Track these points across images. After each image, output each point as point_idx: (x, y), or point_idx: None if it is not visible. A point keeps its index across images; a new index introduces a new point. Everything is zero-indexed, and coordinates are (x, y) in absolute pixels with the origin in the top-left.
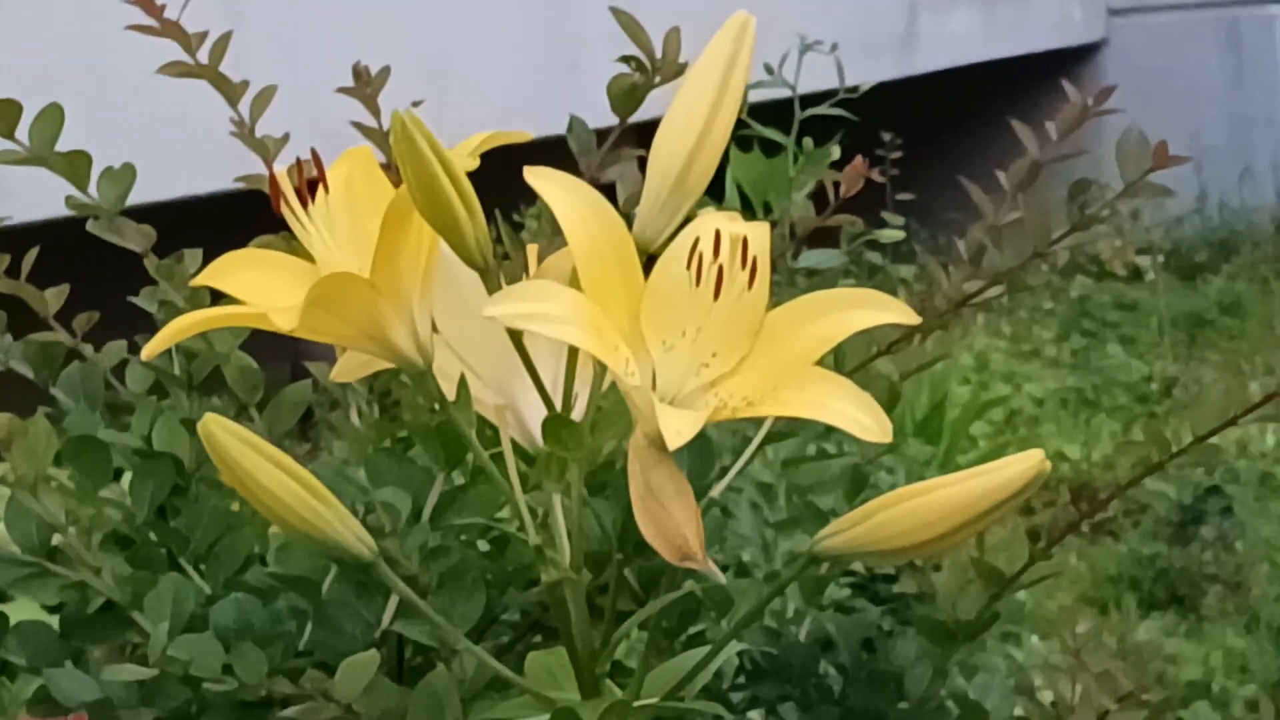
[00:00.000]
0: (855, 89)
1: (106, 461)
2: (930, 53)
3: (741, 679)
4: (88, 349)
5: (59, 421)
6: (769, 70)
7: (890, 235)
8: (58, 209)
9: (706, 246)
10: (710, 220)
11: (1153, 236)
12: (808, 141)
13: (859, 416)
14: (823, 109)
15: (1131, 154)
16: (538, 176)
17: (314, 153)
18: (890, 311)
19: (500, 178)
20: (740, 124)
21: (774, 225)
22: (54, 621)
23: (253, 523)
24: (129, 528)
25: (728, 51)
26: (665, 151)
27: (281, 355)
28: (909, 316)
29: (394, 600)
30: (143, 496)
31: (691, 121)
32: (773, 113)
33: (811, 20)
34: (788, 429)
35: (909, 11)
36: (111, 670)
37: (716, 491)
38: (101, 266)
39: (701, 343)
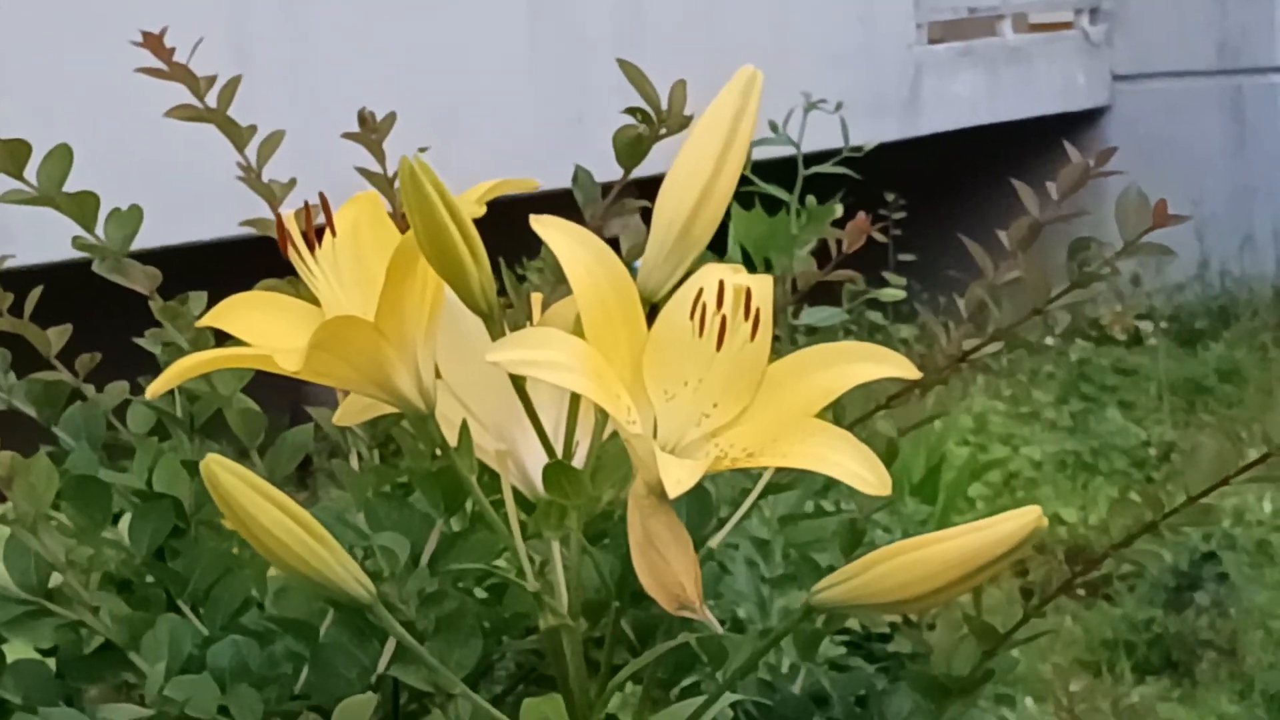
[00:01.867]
0: (859, 149)
1: (106, 501)
2: (934, 114)
3: None
4: (89, 389)
5: (60, 461)
6: (774, 128)
7: (891, 295)
8: (61, 252)
9: (710, 297)
10: (714, 271)
11: (1153, 302)
12: (811, 199)
13: (858, 469)
14: (826, 167)
15: (1131, 212)
16: (544, 225)
17: (322, 197)
18: (890, 365)
19: (503, 229)
20: (743, 180)
21: (776, 282)
22: (50, 663)
23: (251, 566)
24: (127, 569)
25: (734, 105)
26: (670, 202)
27: (283, 400)
28: (909, 371)
29: (390, 645)
30: (141, 537)
31: (697, 173)
32: (776, 171)
33: (817, 79)
34: (786, 481)
35: (914, 73)
36: (109, 710)
37: (715, 543)
38: (104, 310)
39: (703, 393)
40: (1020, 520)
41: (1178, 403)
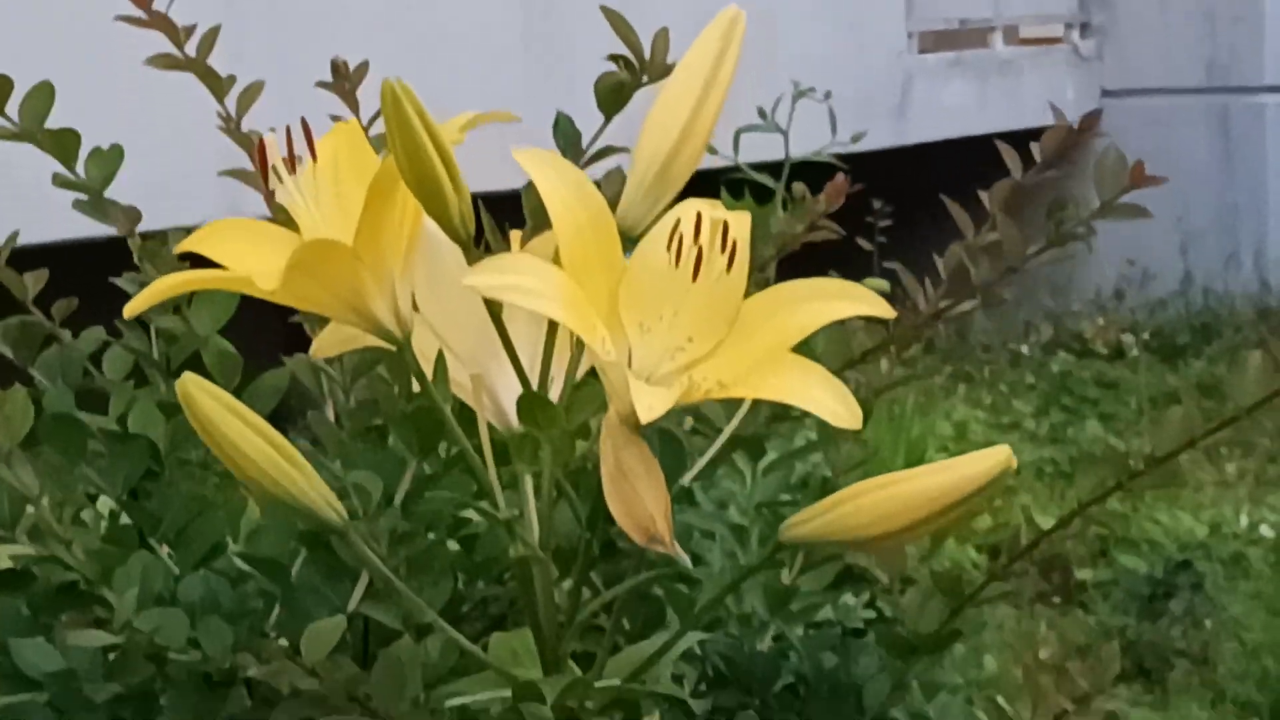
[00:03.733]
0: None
1: (82, 440)
2: (923, 123)
3: (703, 686)
4: (65, 334)
5: (37, 403)
6: (762, 114)
7: (875, 284)
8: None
9: (687, 229)
10: (692, 205)
11: (1136, 317)
12: (798, 185)
13: (830, 402)
14: (816, 155)
15: (1109, 172)
16: (526, 156)
17: (304, 123)
18: (865, 304)
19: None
20: (733, 169)
21: (761, 270)
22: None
23: (225, 508)
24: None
25: (716, 46)
26: (651, 140)
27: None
28: (884, 310)
29: (361, 584)
30: (116, 478)
31: (678, 112)
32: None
33: (807, 85)
34: (762, 433)
35: (904, 82)
36: (76, 636)
37: (686, 479)
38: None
39: (678, 325)
40: (990, 460)
41: (1157, 416)
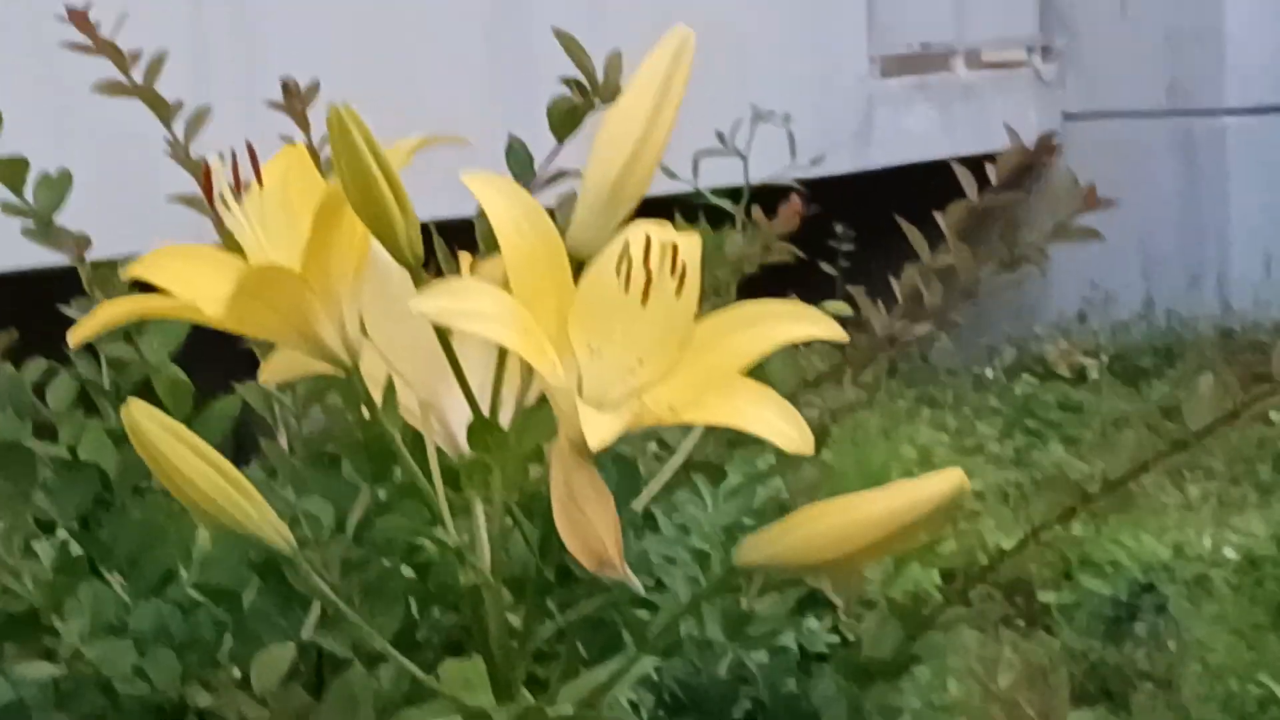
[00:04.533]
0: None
1: (31, 468)
2: (886, 148)
3: (661, 713)
4: (6, 366)
5: None
6: (721, 139)
7: (835, 306)
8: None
9: (636, 252)
10: (641, 227)
11: (1099, 340)
12: (757, 209)
13: (781, 425)
14: (776, 179)
15: (1062, 194)
16: (475, 180)
17: (249, 147)
18: (818, 326)
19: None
20: (692, 194)
21: (718, 293)
22: None
23: (176, 536)
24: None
25: (666, 65)
26: (601, 160)
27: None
28: (836, 333)
29: (314, 613)
30: (66, 506)
31: (629, 131)
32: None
33: (769, 109)
34: (717, 460)
35: (866, 106)
36: (24, 668)
37: (641, 503)
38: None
39: (629, 349)
40: (944, 481)
41: (1114, 440)
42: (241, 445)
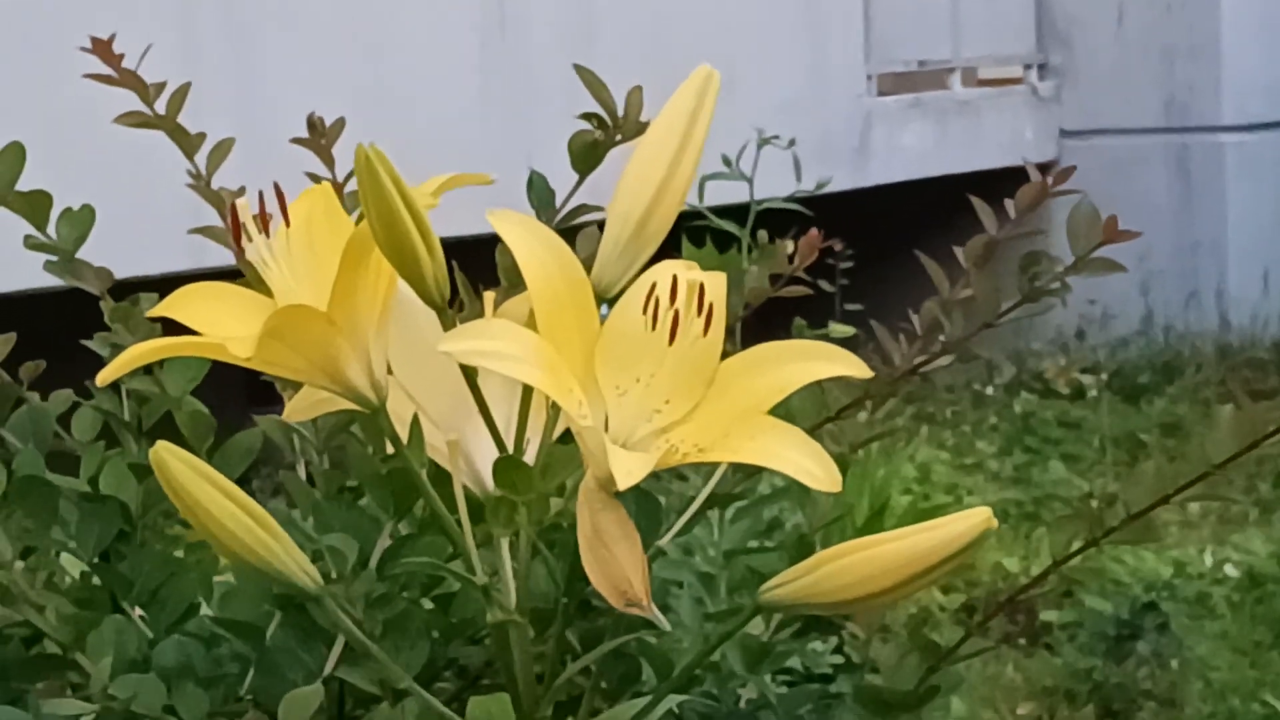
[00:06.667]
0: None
1: (53, 502)
2: (883, 165)
3: None
4: (33, 397)
5: (8, 465)
6: (726, 162)
7: (841, 331)
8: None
9: (663, 292)
10: (668, 267)
11: (1098, 356)
12: (762, 233)
13: (808, 464)
14: (778, 202)
15: (1081, 227)
16: (499, 219)
17: (276, 187)
18: (842, 364)
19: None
20: (696, 215)
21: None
22: None
23: (198, 570)
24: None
25: (690, 104)
26: (626, 199)
27: (236, 417)
28: (861, 370)
29: (337, 648)
30: (88, 540)
31: (653, 170)
32: (727, 217)
33: (767, 128)
34: (737, 491)
35: (863, 124)
36: (52, 704)
37: (664, 541)
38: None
39: (655, 388)
40: (969, 521)
41: (1120, 456)
42: (247, 471)
